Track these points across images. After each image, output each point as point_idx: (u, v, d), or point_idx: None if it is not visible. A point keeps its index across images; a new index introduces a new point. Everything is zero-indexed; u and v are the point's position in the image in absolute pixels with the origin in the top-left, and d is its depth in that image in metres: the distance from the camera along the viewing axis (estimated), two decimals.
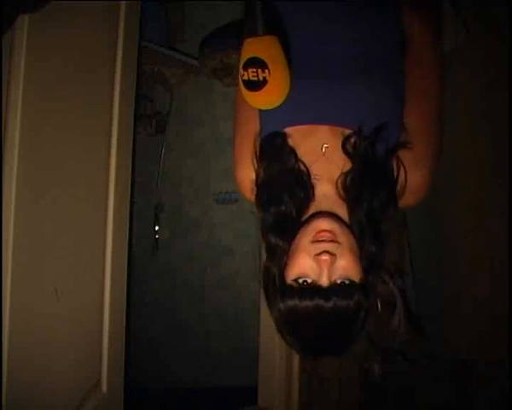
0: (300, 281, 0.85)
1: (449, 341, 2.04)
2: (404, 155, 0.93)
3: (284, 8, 1.01)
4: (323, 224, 0.87)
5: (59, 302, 1.13)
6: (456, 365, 1.97)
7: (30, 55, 0.97)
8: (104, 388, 1.40)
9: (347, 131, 0.95)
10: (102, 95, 1.37)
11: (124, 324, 1.52)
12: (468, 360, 1.94)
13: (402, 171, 0.93)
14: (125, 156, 1.48)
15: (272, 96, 0.86)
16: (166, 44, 2.53)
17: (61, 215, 1.14)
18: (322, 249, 0.83)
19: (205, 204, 2.93)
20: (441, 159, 0.98)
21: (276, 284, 0.90)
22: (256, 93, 0.85)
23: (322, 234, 0.85)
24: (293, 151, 0.96)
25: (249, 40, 0.86)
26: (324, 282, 0.84)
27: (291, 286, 0.86)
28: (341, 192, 0.92)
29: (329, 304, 0.82)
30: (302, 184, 0.93)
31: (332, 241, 0.84)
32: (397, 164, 0.93)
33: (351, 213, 0.91)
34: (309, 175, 0.94)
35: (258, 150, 0.99)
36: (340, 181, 0.92)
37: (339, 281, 0.84)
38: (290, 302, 0.85)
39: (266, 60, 0.83)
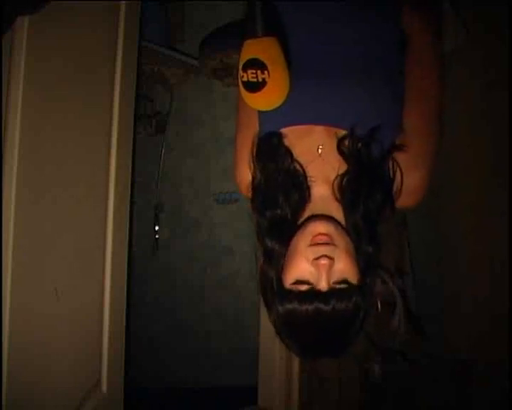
0: (299, 285, 0.85)
1: (449, 341, 2.04)
2: (402, 155, 0.93)
3: (284, 8, 1.01)
4: (320, 227, 0.86)
5: (59, 302, 1.13)
6: (456, 365, 1.97)
7: (30, 55, 0.97)
8: (104, 388, 1.40)
9: (344, 133, 0.95)
10: (102, 95, 1.37)
11: (124, 324, 1.52)
12: (468, 360, 1.94)
13: (399, 172, 0.93)
14: (125, 156, 1.48)
15: (271, 97, 0.86)
16: (166, 44, 2.53)
17: (61, 215, 1.14)
18: (320, 253, 0.83)
19: (205, 204, 2.93)
20: (441, 159, 0.98)
21: (273, 288, 0.90)
22: (255, 94, 0.85)
23: (320, 237, 0.85)
24: (289, 151, 0.96)
25: (248, 41, 0.86)
26: (323, 286, 0.84)
27: (290, 290, 0.86)
28: (337, 194, 0.92)
29: (328, 307, 0.82)
30: (298, 185, 0.93)
31: (329, 244, 0.84)
32: (393, 165, 0.93)
33: (347, 214, 0.91)
34: (305, 176, 0.94)
35: (255, 151, 0.99)
36: (335, 183, 0.92)
37: (337, 284, 0.84)
38: (289, 306, 0.85)
39: (266, 61, 0.83)
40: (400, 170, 0.92)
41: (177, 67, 2.59)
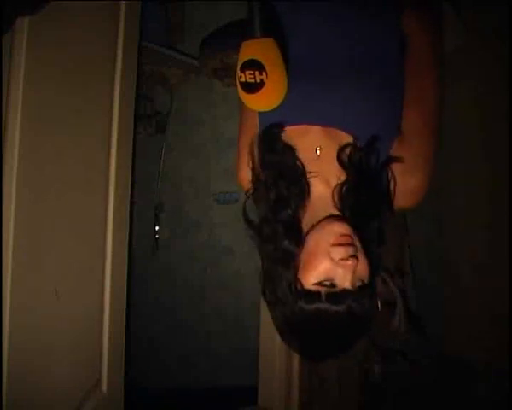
0: (320, 285, 0.84)
1: (449, 341, 2.04)
2: (403, 161, 0.93)
3: (282, 9, 1.01)
4: (342, 228, 0.86)
5: (59, 302, 1.13)
6: (456, 365, 1.97)
7: (30, 56, 0.97)
8: (104, 388, 1.40)
9: (341, 133, 0.95)
10: (102, 95, 1.37)
11: (124, 324, 1.52)
12: (469, 360, 1.94)
13: (397, 175, 0.93)
14: (124, 156, 1.48)
15: (269, 98, 0.86)
16: (166, 44, 2.53)
17: (61, 215, 1.15)
18: (347, 254, 0.83)
19: (205, 204, 2.93)
20: (441, 159, 0.98)
21: (291, 289, 0.87)
22: (253, 95, 0.85)
23: (344, 238, 0.84)
24: (289, 146, 0.96)
25: (247, 42, 0.86)
26: (347, 285, 0.84)
27: (318, 290, 0.84)
28: (337, 201, 0.92)
29: (359, 306, 0.83)
30: (298, 180, 0.93)
31: (351, 245, 0.84)
32: (387, 172, 0.93)
33: (351, 220, 0.91)
34: (305, 172, 0.94)
35: (255, 147, 0.99)
36: (336, 191, 0.92)
37: (358, 283, 0.85)
38: (319, 305, 0.83)
39: (264, 62, 0.83)
40: (394, 177, 0.92)
41: (177, 67, 2.59)
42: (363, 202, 0.90)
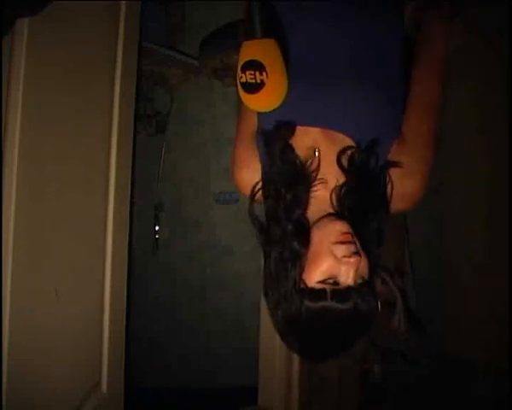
0: (324, 283, 0.84)
1: (449, 341, 2.04)
2: (401, 165, 0.93)
3: (282, 9, 1.01)
4: (344, 226, 0.87)
5: (59, 303, 1.13)
6: (456, 365, 1.97)
7: (30, 56, 0.97)
8: (104, 388, 1.40)
9: (340, 135, 0.95)
10: (103, 95, 1.37)
11: (124, 324, 1.52)
12: (469, 360, 1.94)
13: (397, 178, 0.93)
14: (124, 156, 1.48)
15: (270, 98, 0.86)
16: (166, 44, 2.53)
17: (61, 215, 1.15)
18: (350, 251, 0.83)
19: (205, 204, 2.93)
20: (441, 160, 0.98)
21: (296, 288, 0.87)
22: (254, 95, 0.85)
23: (346, 236, 0.85)
24: (294, 149, 0.96)
25: (247, 42, 0.86)
26: (349, 282, 0.84)
27: (323, 288, 0.84)
28: (336, 203, 0.92)
29: (364, 303, 0.83)
30: (302, 181, 0.93)
31: (353, 243, 0.85)
32: (385, 179, 0.93)
33: (348, 221, 0.92)
34: (307, 173, 0.94)
35: (259, 148, 0.99)
36: (335, 192, 0.93)
37: (359, 281, 0.85)
38: (325, 304, 0.83)
39: (264, 62, 0.83)
40: (391, 181, 0.92)
41: (177, 67, 2.59)
42: (361, 205, 0.90)
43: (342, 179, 0.93)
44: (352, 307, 0.82)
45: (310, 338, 0.89)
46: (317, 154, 0.95)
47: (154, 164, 2.90)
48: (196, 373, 2.86)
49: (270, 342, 1.98)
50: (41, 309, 1.07)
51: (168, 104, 2.88)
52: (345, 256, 0.83)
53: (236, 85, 0.87)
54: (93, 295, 1.35)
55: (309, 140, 0.96)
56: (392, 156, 0.94)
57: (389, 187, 0.93)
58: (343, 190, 0.92)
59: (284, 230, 0.90)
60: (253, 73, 0.83)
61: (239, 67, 0.85)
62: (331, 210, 0.92)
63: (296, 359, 2.07)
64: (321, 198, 0.93)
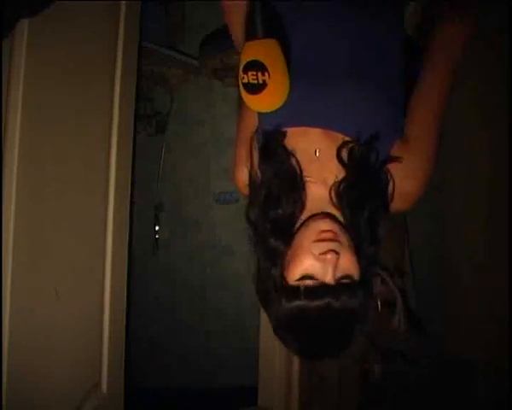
0: (304, 280, 0.85)
1: (449, 341, 2.04)
2: (398, 166, 0.93)
3: (282, 9, 1.01)
4: (325, 224, 0.87)
5: (59, 303, 1.13)
6: (456, 365, 1.97)
7: (30, 56, 0.97)
8: (104, 388, 1.40)
9: (341, 136, 0.95)
10: (103, 95, 1.37)
11: (124, 324, 1.52)
12: (469, 360, 1.94)
13: (398, 177, 0.93)
14: (125, 156, 1.48)
15: (272, 98, 0.86)
16: (166, 44, 2.53)
17: (60, 215, 1.15)
18: (326, 248, 0.83)
19: (205, 204, 2.93)
20: (442, 159, 0.98)
21: (277, 287, 0.89)
22: (256, 96, 0.85)
23: (325, 234, 0.85)
24: (288, 151, 0.96)
25: (249, 43, 0.86)
26: (329, 280, 0.84)
27: (297, 287, 0.85)
28: (335, 199, 0.92)
29: (338, 302, 0.82)
30: (295, 184, 0.94)
31: (334, 240, 0.85)
32: (387, 177, 0.93)
33: (345, 218, 0.91)
34: (301, 176, 0.94)
35: (255, 149, 0.99)
36: (333, 189, 0.92)
37: (343, 280, 0.85)
38: (299, 302, 0.84)
39: (266, 63, 0.83)
40: (393, 181, 0.92)
41: (177, 67, 2.59)
42: (360, 199, 0.90)
43: (342, 177, 0.93)
44: (324, 306, 0.82)
45: (292, 335, 0.90)
46: (317, 154, 0.95)
47: (154, 164, 2.90)
48: (196, 373, 2.86)
49: (270, 342, 1.98)
50: (41, 309, 1.07)
51: (168, 104, 2.88)
52: (321, 253, 0.83)
53: (238, 86, 0.87)
54: (93, 295, 1.35)
55: (309, 141, 0.96)
56: (393, 155, 0.94)
57: (390, 186, 0.92)
58: (342, 186, 0.92)
59: (264, 229, 0.93)
60: (254, 73, 0.83)
61: (240, 68, 0.85)
62: (331, 209, 0.92)
63: (296, 359, 2.07)
64: (321, 198, 0.93)
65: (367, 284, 0.88)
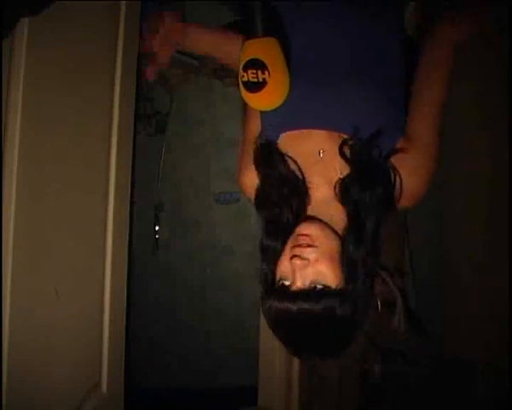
0: (280, 283, 0.88)
1: (449, 341, 2.04)
2: (405, 160, 0.93)
3: (282, 9, 1.02)
4: (303, 228, 0.89)
5: (59, 302, 1.13)
6: (456, 365, 1.97)
7: (30, 56, 0.97)
8: (104, 388, 1.40)
9: (344, 136, 0.95)
10: (102, 95, 1.37)
11: (124, 324, 1.52)
12: (469, 360, 1.94)
13: (400, 176, 0.93)
14: (125, 156, 1.48)
15: (272, 97, 0.86)
16: None
17: (60, 215, 1.14)
18: (295, 253, 0.85)
19: (205, 204, 2.93)
20: (442, 159, 0.98)
21: (264, 285, 0.93)
22: (256, 94, 0.85)
23: (301, 238, 0.87)
24: (285, 158, 0.97)
25: (249, 41, 0.86)
26: (298, 285, 0.86)
27: (273, 288, 0.89)
28: (338, 195, 0.92)
29: (294, 307, 0.84)
30: (296, 189, 0.95)
31: (309, 245, 0.86)
32: (393, 170, 0.93)
33: (348, 215, 0.92)
34: (304, 181, 0.95)
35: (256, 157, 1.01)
36: (337, 185, 0.93)
37: (312, 285, 0.86)
38: (267, 303, 0.88)
39: (266, 61, 0.83)
40: (400, 177, 0.92)
41: (177, 67, 2.58)
42: (364, 194, 0.90)
43: (346, 173, 0.93)
44: (284, 309, 0.84)
45: (274, 332, 0.93)
46: (321, 154, 0.95)
47: (154, 164, 2.90)
48: (196, 373, 2.86)
49: (270, 342, 1.98)
50: (41, 309, 1.07)
51: (168, 104, 2.88)
52: (291, 258, 0.85)
53: (238, 85, 0.87)
54: (93, 295, 1.35)
55: (313, 142, 0.96)
56: (396, 158, 0.93)
57: (398, 183, 0.92)
58: (346, 181, 0.92)
59: (263, 228, 0.97)
60: (254, 72, 0.83)
61: (241, 67, 0.85)
62: (334, 208, 0.92)
63: (296, 359, 2.07)
64: (326, 199, 0.94)
65: (350, 291, 0.87)
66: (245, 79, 0.85)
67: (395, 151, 0.93)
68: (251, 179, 1.02)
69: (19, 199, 0.96)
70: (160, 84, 2.75)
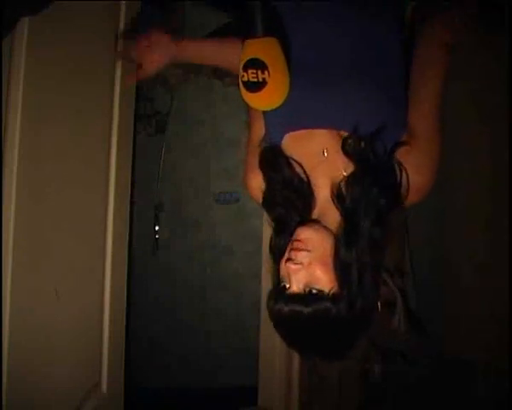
0: (282, 285, 0.89)
1: (449, 341, 2.04)
2: (409, 155, 0.93)
3: (283, 9, 1.02)
4: (299, 232, 0.90)
5: (59, 302, 1.13)
6: (456, 365, 1.97)
7: (30, 56, 0.97)
8: (104, 388, 1.40)
9: (345, 133, 0.95)
10: (102, 95, 1.37)
11: (124, 324, 1.52)
12: (469, 360, 1.94)
13: (406, 170, 0.93)
14: (125, 156, 1.48)
15: (272, 96, 0.86)
16: None
17: (61, 215, 1.15)
18: (292, 257, 0.87)
19: (205, 204, 2.93)
20: (442, 159, 0.98)
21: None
22: (256, 94, 0.85)
23: (296, 243, 0.88)
24: (290, 161, 0.97)
25: (249, 41, 0.86)
26: (293, 288, 0.87)
27: (274, 289, 0.92)
28: (334, 197, 0.93)
29: (286, 308, 0.86)
30: (302, 193, 0.95)
31: (303, 250, 0.86)
32: (399, 167, 0.93)
33: (342, 217, 0.92)
34: (309, 183, 0.96)
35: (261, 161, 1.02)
36: (342, 183, 0.93)
37: (307, 289, 0.86)
38: (267, 303, 0.90)
39: (266, 61, 0.83)
40: (406, 172, 0.92)
41: (176, 67, 2.58)
42: (370, 192, 0.90)
43: (350, 172, 0.94)
44: (278, 310, 0.87)
45: (276, 330, 0.94)
46: (326, 154, 0.95)
47: (154, 164, 2.90)
48: (196, 373, 2.86)
49: (270, 342, 1.98)
50: (41, 309, 1.07)
51: (168, 104, 2.88)
52: (287, 261, 0.87)
53: (238, 85, 0.87)
54: (93, 295, 1.35)
55: (316, 142, 0.96)
56: (400, 152, 0.93)
57: (404, 178, 0.92)
58: (350, 178, 0.92)
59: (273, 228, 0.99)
60: (254, 71, 0.83)
61: (241, 66, 0.85)
62: (334, 209, 0.92)
63: (296, 359, 2.07)
64: (325, 199, 0.94)
65: (344, 295, 0.86)
66: (245, 78, 0.85)
67: (400, 144, 0.93)
68: (257, 182, 1.03)
69: (19, 199, 0.96)
70: (159, 84, 2.75)
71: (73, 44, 1.16)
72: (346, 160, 0.93)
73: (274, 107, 0.88)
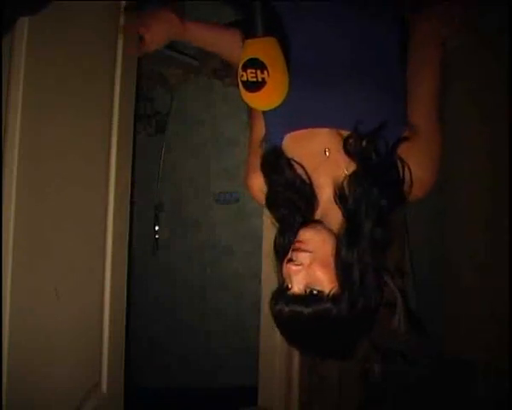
0: (285, 285, 0.90)
1: (449, 341, 2.04)
2: (411, 151, 0.93)
3: (282, 9, 1.02)
4: (301, 233, 0.90)
5: (59, 302, 1.13)
6: (456, 365, 1.97)
7: (30, 56, 0.97)
8: (104, 388, 1.40)
9: (346, 132, 0.95)
10: (102, 95, 1.37)
11: (124, 324, 1.52)
12: (469, 360, 1.94)
13: (409, 166, 0.93)
14: (125, 156, 1.48)
15: (271, 96, 0.86)
16: (166, 44, 2.52)
17: (61, 215, 1.14)
18: (293, 258, 0.88)
19: (205, 204, 2.93)
20: (442, 159, 0.98)
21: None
22: (255, 94, 0.85)
23: (297, 244, 0.89)
24: (291, 163, 0.98)
25: (248, 41, 0.86)
26: (294, 289, 0.88)
27: (277, 289, 0.92)
28: (336, 196, 0.93)
29: (286, 309, 0.86)
30: (304, 194, 0.96)
31: (304, 250, 0.87)
32: (401, 164, 0.93)
33: (344, 217, 0.92)
34: (311, 184, 0.96)
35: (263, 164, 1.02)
36: (344, 182, 0.93)
37: (308, 289, 0.87)
38: (270, 305, 0.91)
39: (265, 61, 0.83)
40: (409, 167, 0.92)
41: (177, 67, 2.59)
42: (372, 190, 0.90)
43: (352, 171, 0.94)
44: (279, 310, 0.88)
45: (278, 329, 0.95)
46: (327, 153, 0.95)
47: (154, 164, 2.90)
48: (196, 373, 2.86)
49: (270, 342, 1.98)
50: (41, 309, 1.07)
51: (168, 104, 2.88)
52: (288, 261, 0.88)
53: (238, 85, 0.87)
54: (93, 295, 1.35)
55: (318, 142, 0.96)
56: (402, 149, 0.94)
57: (407, 173, 0.93)
58: (353, 177, 0.92)
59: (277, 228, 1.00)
60: (254, 71, 0.83)
61: (240, 66, 0.85)
62: (336, 208, 0.92)
63: (296, 359, 2.07)
64: (327, 198, 0.94)
65: (344, 296, 0.87)
66: (244, 78, 0.85)
67: (402, 140, 0.93)
68: (259, 183, 1.03)
69: (19, 199, 0.96)
70: (159, 84, 2.75)
71: (73, 44, 1.16)
72: (347, 159, 0.93)
73: (273, 106, 0.88)
